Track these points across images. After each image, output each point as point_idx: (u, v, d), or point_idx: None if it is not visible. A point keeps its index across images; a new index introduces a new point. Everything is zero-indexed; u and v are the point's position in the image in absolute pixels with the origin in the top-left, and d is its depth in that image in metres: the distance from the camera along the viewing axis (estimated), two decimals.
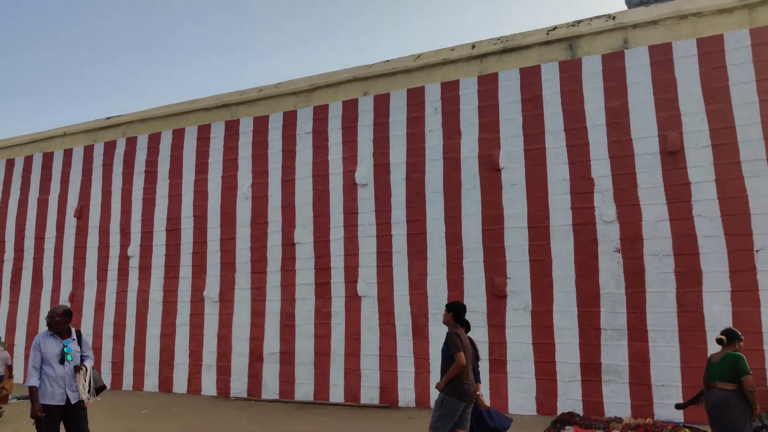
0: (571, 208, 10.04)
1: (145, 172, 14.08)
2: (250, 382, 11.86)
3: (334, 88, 12.53)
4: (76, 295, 14.26)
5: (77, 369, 5.48)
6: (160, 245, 13.48)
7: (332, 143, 12.20)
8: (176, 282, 13.11)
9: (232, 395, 11.99)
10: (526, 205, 10.33)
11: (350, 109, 12.20)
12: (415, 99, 11.64)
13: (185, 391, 12.55)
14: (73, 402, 5.43)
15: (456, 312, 5.95)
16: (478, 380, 6.29)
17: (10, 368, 10.81)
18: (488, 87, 11.04)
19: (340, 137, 12.15)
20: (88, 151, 15.06)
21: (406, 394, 10.67)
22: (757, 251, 8.88)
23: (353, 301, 11.38)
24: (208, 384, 12.25)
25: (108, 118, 15.24)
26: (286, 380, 11.56)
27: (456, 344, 5.72)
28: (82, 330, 13.97)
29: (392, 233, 11.32)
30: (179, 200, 13.48)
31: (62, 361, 5.43)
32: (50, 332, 5.56)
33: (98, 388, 5.70)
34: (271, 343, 11.86)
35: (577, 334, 9.68)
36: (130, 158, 14.39)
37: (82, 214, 14.65)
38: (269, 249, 12.32)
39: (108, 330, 13.68)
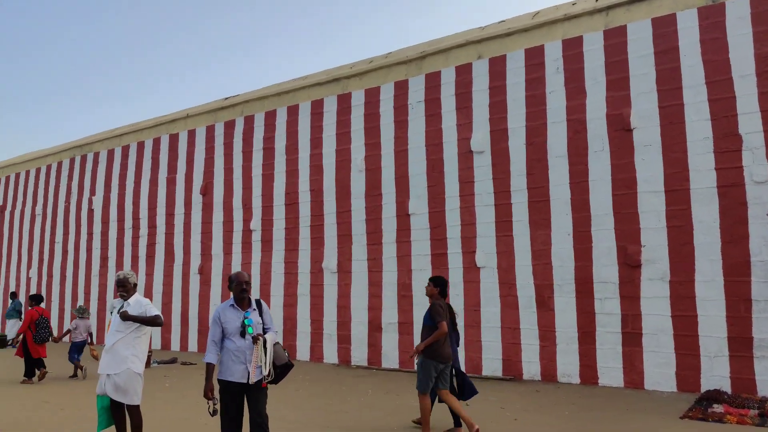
0: (715, 169, 9.12)
1: (263, 149, 14.53)
2: (370, 351, 12.01)
3: (446, 53, 12.18)
4: (205, 268, 15.10)
5: (255, 340, 4.87)
6: (279, 219, 13.90)
7: (445, 111, 11.90)
8: (296, 254, 13.48)
9: (353, 363, 12.22)
10: (662, 167, 9.51)
11: (463, 74, 11.81)
12: (534, 59, 11.04)
13: (308, 359, 12.97)
14: (254, 380, 4.82)
15: (442, 287, 6.87)
16: (457, 343, 7.16)
17: (91, 335, 11.56)
18: (615, 41, 10.22)
19: (453, 104, 11.82)
20: (210, 131, 15.77)
21: (531, 367, 10.32)
22: None
23: (471, 272, 11.12)
24: (330, 352, 12.55)
25: (226, 98, 15.85)
26: (405, 350, 11.57)
27: (440, 314, 6.48)
28: (211, 301, 14.87)
29: (512, 201, 10.89)
30: (296, 175, 13.79)
31: (243, 334, 4.86)
32: (231, 302, 5.03)
33: (282, 366, 4.98)
34: (389, 313, 11.91)
35: (724, 306, 8.83)
36: (248, 136, 14.91)
37: (207, 191, 15.42)
38: (384, 220, 12.31)
39: None
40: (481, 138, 11.32)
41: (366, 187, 12.65)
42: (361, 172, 12.75)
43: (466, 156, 11.49)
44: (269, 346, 4.89)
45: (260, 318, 5.03)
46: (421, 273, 11.62)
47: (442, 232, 11.53)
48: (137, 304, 5.64)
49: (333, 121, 13.42)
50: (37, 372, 10.71)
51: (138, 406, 5.52)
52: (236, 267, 14.49)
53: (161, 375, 11.14)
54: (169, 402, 8.61)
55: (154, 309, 5.67)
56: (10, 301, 17.56)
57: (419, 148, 12.07)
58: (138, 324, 5.57)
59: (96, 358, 11.33)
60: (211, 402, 4.85)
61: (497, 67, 11.44)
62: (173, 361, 12.99)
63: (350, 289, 12.52)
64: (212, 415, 4.83)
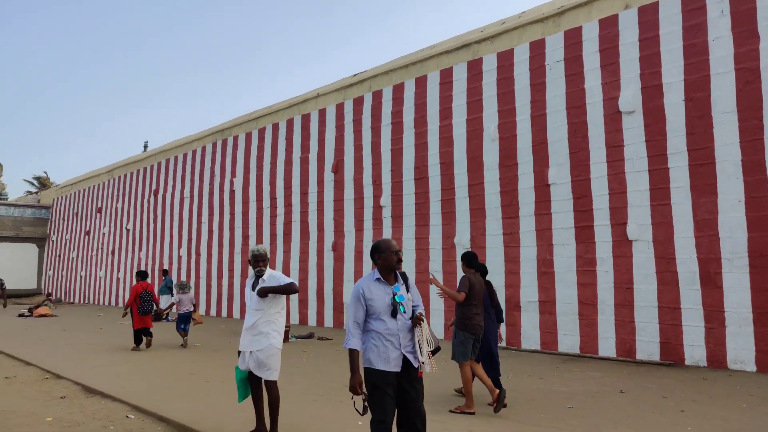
0: None
1: (392, 123, 14.25)
2: (509, 331, 11.36)
3: (588, 6, 11.03)
4: (338, 244, 15.23)
5: (416, 322, 4.05)
6: (409, 194, 13.59)
7: (588, 69, 10.80)
8: (427, 229, 13.11)
9: None
10: None
11: (609, 27, 10.62)
12: (693, 3, 9.62)
13: (442, 338, 12.58)
14: (425, 370, 4.03)
15: (467, 261, 6.89)
16: (501, 320, 7.30)
17: (195, 305, 12.71)
18: None
19: (597, 61, 10.69)
20: (339, 109, 15.78)
21: (695, 352, 9.13)
22: None
23: (622, 245, 10.05)
24: None
25: (354, 75, 15.76)
26: (547, 330, 10.79)
27: (464, 285, 6.53)
28: (345, 277, 14.98)
29: (669, 166, 9.64)
30: (425, 148, 13.36)
31: (394, 313, 4.01)
32: (377, 276, 4.11)
33: (433, 350, 4.27)
34: (529, 291, 11.16)
35: None
36: (377, 111, 14.70)
37: (338, 168, 15.50)
38: (521, 192, 11.52)
39: None
40: (630, 96, 10.13)
41: (500, 157, 11.91)
42: (494, 142, 12.02)
43: (613, 117, 10.36)
44: (427, 329, 4.10)
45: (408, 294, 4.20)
46: (564, 248, 10.73)
47: (587, 202, 10.53)
48: (272, 278, 5.53)
49: (463, 89, 12.78)
50: (144, 339, 11.63)
51: (276, 382, 5.42)
52: (367, 244, 14.44)
53: (299, 350, 11.33)
54: (306, 376, 8.63)
55: (286, 278, 5.53)
56: (163, 278, 19.02)
57: (559, 112, 11.09)
58: (276, 299, 5.46)
59: (198, 322, 12.51)
60: (359, 397, 4.02)
61: (648, 17, 10.14)
62: (310, 336, 13.24)
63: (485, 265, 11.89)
64: (362, 414, 4.00)
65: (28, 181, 46.80)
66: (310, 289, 15.88)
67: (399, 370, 3.95)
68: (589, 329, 10.26)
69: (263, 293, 5.39)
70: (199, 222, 20.74)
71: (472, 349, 6.53)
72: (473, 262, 6.90)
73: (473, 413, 6.32)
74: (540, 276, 11.03)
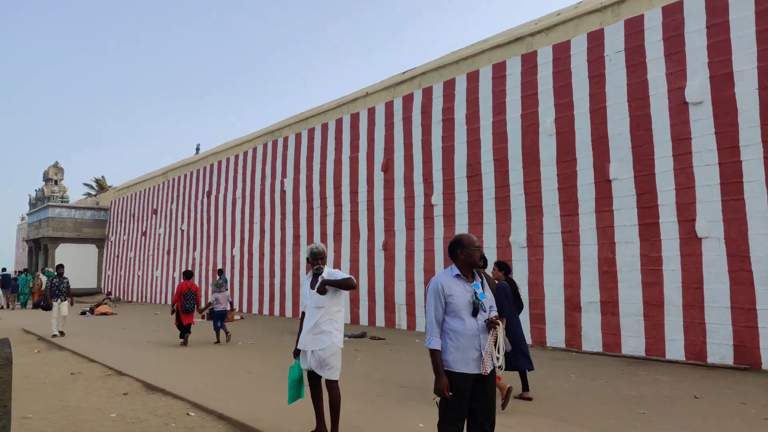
0: None
1: (443, 120, 14.03)
2: (568, 332, 10.98)
3: None
4: (388, 244, 15.11)
5: (492, 324, 3.79)
6: (462, 192, 13.34)
7: (651, 59, 10.33)
8: (480, 228, 12.83)
9: (548, 345, 11.29)
10: None
11: (673, 14, 10.12)
12: None
13: None
14: (487, 371, 3.75)
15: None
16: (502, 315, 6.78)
17: (231, 303, 13.72)
18: None
19: (661, 50, 10.21)
20: (389, 107, 15.66)
21: None
22: None
23: (691, 243, 9.55)
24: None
25: (404, 72, 15.60)
26: (609, 332, 10.37)
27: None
28: (396, 277, 14.84)
29: (741, 158, 9.11)
30: (478, 145, 13.09)
31: (475, 311, 3.77)
32: (456, 272, 3.87)
33: (505, 354, 4.08)
34: (590, 291, 10.75)
35: None
36: (427, 108, 14.50)
37: (387, 167, 15.38)
38: (580, 188, 11.12)
39: (419, 276, 14.17)
40: (698, 86, 9.62)
41: (557, 153, 11.54)
42: (551, 137, 11.66)
43: (679, 109, 9.87)
44: (502, 332, 3.87)
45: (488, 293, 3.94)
46: (627, 246, 10.29)
47: (652, 198, 10.06)
48: (330, 275, 5.42)
49: (517, 83, 12.45)
50: (186, 335, 12.17)
51: (337, 381, 5.31)
52: (419, 243, 14.27)
53: (352, 349, 11.25)
54: (363, 376, 8.52)
55: (344, 274, 5.43)
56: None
57: (620, 105, 10.65)
58: (337, 297, 5.36)
59: (232, 320, 12.85)
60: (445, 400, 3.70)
61: (716, 2, 9.61)
62: (363, 335, 13.15)
63: (542, 264, 11.56)
64: (444, 420, 3.72)
65: (87, 185, 48.63)
66: (361, 288, 15.82)
67: (479, 371, 3.72)
68: (655, 331, 9.80)
69: (323, 288, 5.29)
70: (251, 222, 21.00)
71: None
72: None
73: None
74: (601, 275, 10.62)
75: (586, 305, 10.76)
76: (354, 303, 15.94)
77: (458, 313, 3.75)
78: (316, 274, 5.48)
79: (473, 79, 13.44)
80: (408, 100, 15.08)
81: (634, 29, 10.62)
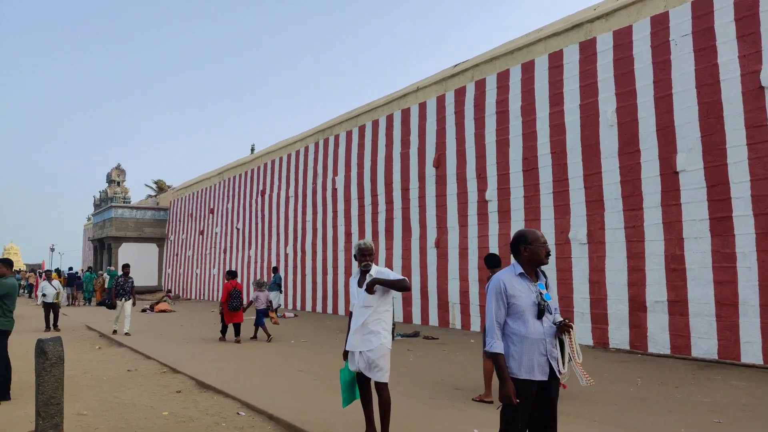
0: None
1: (496, 113, 13.60)
2: (633, 333, 10.40)
3: None
4: (441, 241, 14.79)
5: (564, 328, 3.50)
6: (517, 187, 12.89)
7: (722, 42, 9.63)
8: (538, 224, 12.35)
9: (611, 346, 10.73)
10: None
11: None
12: None
13: None
14: (555, 377, 3.49)
15: (486, 263, 7.01)
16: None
17: (271, 302, 13.56)
18: None
19: (733, 32, 9.50)
20: (440, 101, 15.34)
21: None
22: None
23: None
24: (583, 332, 11.18)
25: (455, 65, 15.25)
26: (678, 333, 9.75)
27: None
28: (449, 275, 14.52)
29: None
30: (534, 137, 12.60)
31: (540, 314, 3.46)
32: (520, 270, 3.54)
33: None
34: (656, 290, 10.14)
35: None
36: (480, 102, 14.10)
37: (439, 163, 15.06)
38: (644, 181, 10.51)
39: (473, 274, 13.80)
40: None
41: (619, 144, 10.95)
42: (612, 127, 11.08)
43: (754, 94, 9.15)
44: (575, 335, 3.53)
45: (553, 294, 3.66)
46: (697, 242, 9.64)
47: (724, 191, 9.38)
48: (379, 273, 5.18)
49: (575, 72, 11.90)
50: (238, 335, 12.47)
51: (386, 384, 5.08)
52: (472, 240, 13.89)
53: (404, 349, 11.02)
54: (415, 378, 8.27)
55: (395, 274, 5.18)
56: (272, 275, 19.46)
57: (687, 92, 9.99)
58: (385, 296, 5.12)
59: (275, 322, 12.84)
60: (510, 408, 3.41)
61: None
62: (415, 334, 12.90)
63: (604, 262, 11.00)
64: (508, 429, 3.43)
65: (148, 186, 50.31)
66: (413, 286, 15.56)
67: (545, 378, 3.43)
68: (729, 332, 9.13)
69: (372, 287, 5.06)
70: (304, 220, 21.08)
71: None
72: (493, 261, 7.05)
73: (491, 402, 6.50)
74: (669, 273, 9.99)
75: (652, 305, 10.15)
76: (406, 301, 15.71)
77: (521, 315, 3.45)
78: (364, 271, 5.26)
79: (528, 69, 12.96)
80: (460, 93, 14.72)
81: (703, 11, 9.93)
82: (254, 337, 12.82)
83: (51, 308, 15.53)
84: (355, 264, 17.88)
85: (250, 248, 24.82)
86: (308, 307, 20.37)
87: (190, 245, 31.03)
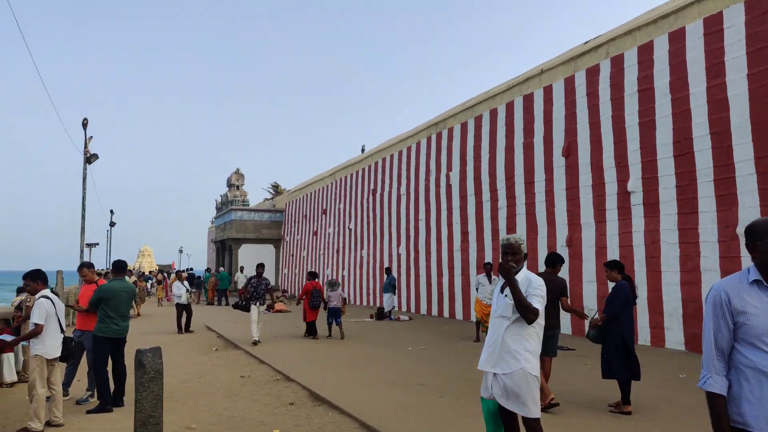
0: None
1: (638, 91, 11.86)
2: None
3: None
4: (573, 239, 13.22)
5: None
6: (667, 175, 11.10)
7: None
8: (695, 218, 10.52)
9: None
10: None
11: None
12: None
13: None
14: None
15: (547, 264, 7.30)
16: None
17: (344, 300, 13.42)
18: None
19: None
20: (569, 83, 13.76)
21: None
22: None
23: None
24: None
25: (586, 42, 13.62)
26: None
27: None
28: (584, 278, 12.91)
29: None
30: (688, 117, 10.77)
31: None
32: (755, 277, 2.50)
33: None
34: None
35: None
36: (617, 80, 12.40)
37: (570, 151, 13.49)
38: None
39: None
40: None
41: None
42: None
43: None
44: None
45: None
46: None
47: None
48: (525, 281, 3.98)
49: (741, 36, 9.98)
50: (316, 334, 12.92)
51: (538, 420, 3.87)
52: (612, 238, 12.22)
53: None
54: (564, 399, 6.98)
55: (540, 290, 3.94)
56: (385, 276, 18.71)
57: None
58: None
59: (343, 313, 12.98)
60: None
61: None
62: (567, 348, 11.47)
63: None
64: None
65: (265, 189, 52.00)
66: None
67: None
68: None
69: (502, 289, 3.97)
70: (417, 219, 20.17)
71: (548, 345, 6.48)
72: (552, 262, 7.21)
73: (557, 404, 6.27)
74: None
75: None
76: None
77: (757, 340, 2.40)
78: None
79: (678, 39, 11.13)
80: (593, 72, 13.08)
81: None
82: (330, 335, 13.03)
83: (183, 309, 15.21)
84: (474, 265, 16.71)
85: (362, 248, 24.34)
86: (423, 309, 19.41)
87: (304, 246, 31.25)
